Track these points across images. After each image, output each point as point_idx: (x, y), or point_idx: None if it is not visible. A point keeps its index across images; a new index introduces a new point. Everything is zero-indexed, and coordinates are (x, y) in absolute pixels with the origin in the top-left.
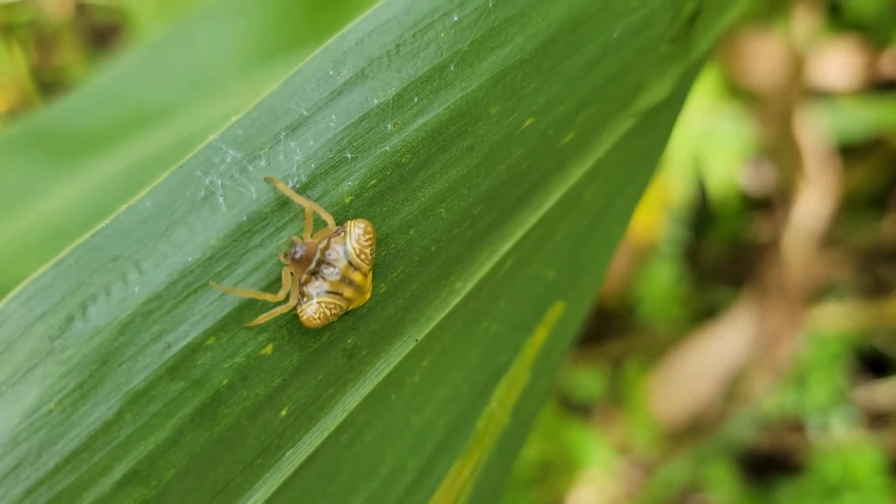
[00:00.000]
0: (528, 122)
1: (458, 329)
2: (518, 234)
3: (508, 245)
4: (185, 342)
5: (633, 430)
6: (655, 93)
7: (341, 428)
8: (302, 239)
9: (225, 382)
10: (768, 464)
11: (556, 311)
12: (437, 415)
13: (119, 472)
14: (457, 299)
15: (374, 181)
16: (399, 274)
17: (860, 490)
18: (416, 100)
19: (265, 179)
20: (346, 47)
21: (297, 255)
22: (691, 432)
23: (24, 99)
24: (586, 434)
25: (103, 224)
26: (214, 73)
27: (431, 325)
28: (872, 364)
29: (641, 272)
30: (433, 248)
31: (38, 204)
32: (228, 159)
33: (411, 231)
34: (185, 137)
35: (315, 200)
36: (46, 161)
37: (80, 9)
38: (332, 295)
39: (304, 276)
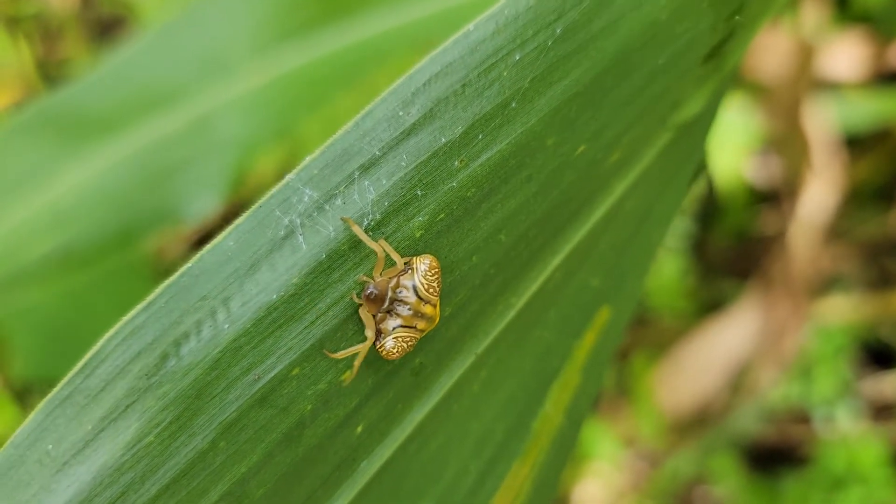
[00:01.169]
0: (580, 150)
1: (513, 340)
2: (567, 249)
3: (558, 260)
4: (272, 374)
5: (640, 422)
6: (691, 107)
7: (409, 439)
8: (373, 278)
9: (309, 408)
10: (774, 456)
11: (603, 315)
12: (496, 420)
13: (215, 494)
14: (511, 313)
15: (442, 215)
16: (462, 297)
17: (866, 482)
18: (480, 136)
19: (341, 219)
20: (415, 88)
21: (371, 296)
22: (697, 424)
23: (29, 92)
24: (593, 426)
25: (189, 264)
26: (226, 55)
27: (489, 340)
28: (878, 356)
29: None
30: (492, 272)
31: (48, 186)
32: (306, 199)
33: (474, 258)
34: (196, 119)
35: (388, 236)
36: (57, 144)
37: (86, 1)
38: (406, 329)
39: (379, 315)
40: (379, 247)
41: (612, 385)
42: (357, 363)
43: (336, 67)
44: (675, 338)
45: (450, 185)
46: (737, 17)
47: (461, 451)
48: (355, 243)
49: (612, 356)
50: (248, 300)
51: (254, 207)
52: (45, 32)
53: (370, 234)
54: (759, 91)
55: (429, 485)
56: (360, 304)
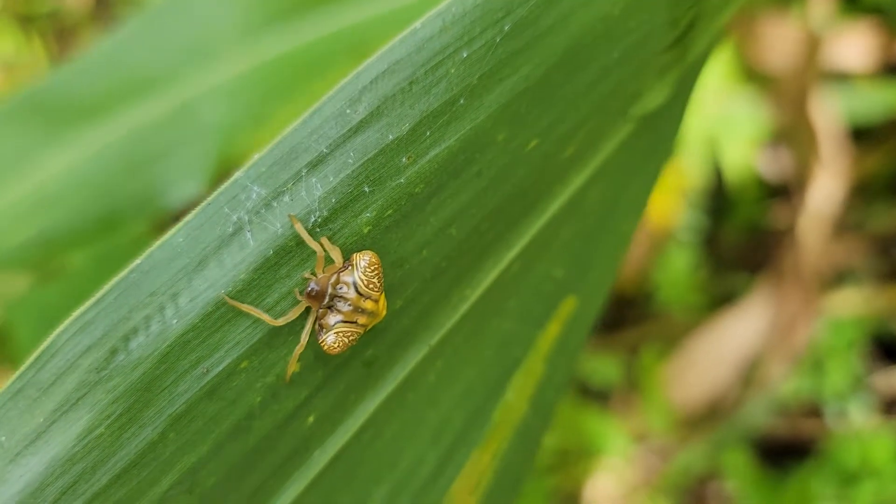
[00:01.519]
0: (532, 144)
1: (470, 330)
2: (523, 241)
3: (514, 252)
4: (220, 367)
5: (650, 417)
6: (653, 98)
7: (363, 428)
8: (315, 276)
9: (258, 400)
10: (785, 450)
11: (568, 305)
12: (454, 409)
13: (166, 483)
14: (466, 305)
15: (390, 211)
16: (413, 290)
17: (878, 476)
18: (428, 133)
19: (288, 217)
20: (362, 86)
21: (312, 292)
22: (708, 419)
23: None
24: (604, 421)
25: (138, 260)
26: (213, 40)
27: (443, 331)
28: (890, 349)
29: (659, 259)
30: (444, 265)
31: (34, 172)
32: (254, 196)
33: (424, 252)
34: (182, 103)
35: (335, 232)
36: (43, 130)
37: (100, 0)
38: (347, 324)
39: (321, 310)
40: (319, 245)
41: (622, 380)
42: (292, 364)
43: (319, 54)
44: (685, 332)
45: (398, 181)
46: (694, 10)
47: (418, 440)
48: (302, 240)
49: (582, 346)
50: (197, 296)
51: (202, 204)
52: (59, 31)
53: (317, 230)
54: (767, 82)
55: (385, 472)
56: (300, 301)
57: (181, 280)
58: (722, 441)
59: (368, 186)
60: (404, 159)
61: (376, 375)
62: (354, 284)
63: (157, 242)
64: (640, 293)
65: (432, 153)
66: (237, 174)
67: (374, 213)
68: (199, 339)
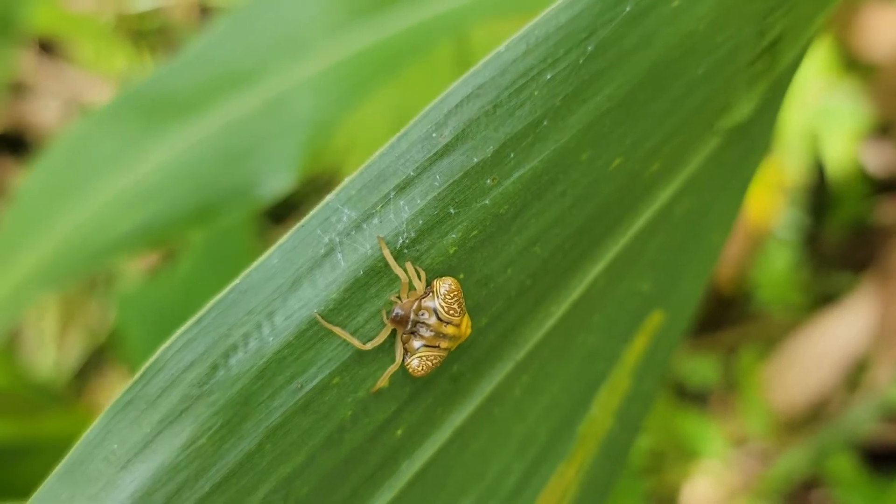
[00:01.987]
0: (616, 163)
1: (555, 345)
2: (608, 257)
3: (599, 267)
4: (314, 383)
5: (749, 419)
6: (741, 110)
7: (450, 440)
8: (400, 300)
9: (349, 414)
10: (893, 456)
11: (655, 319)
12: (539, 422)
13: (262, 491)
14: (552, 321)
15: (475, 232)
16: (498, 308)
17: None
18: (512, 155)
19: (377, 239)
20: (447, 110)
21: (397, 318)
22: (810, 423)
23: None
24: (702, 423)
25: (237, 281)
26: (300, 35)
27: (529, 346)
28: None
29: (758, 258)
30: (528, 282)
31: (136, 165)
32: (345, 218)
33: (509, 270)
34: (273, 97)
35: (422, 253)
36: (145, 125)
37: (205, 14)
38: (430, 348)
39: (405, 335)
40: (402, 271)
41: (721, 381)
42: (382, 380)
43: (408, 42)
44: (786, 332)
45: (482, 202)
46: (783, 21)
47: (504, 452)
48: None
49: (668, 360)
50: (291, 314)
51: (296, 227)
52: (167, 46)
53: (404, 251)
54: (868, 73)
55: (471, 483)
56: (386, 324)
57: (277, 299)
58: (825, 446)
59: (454, 208)
60: (489, 181)
61: (463, 390)
62: (435, 311)
63: (254, 264)
64: (738, 293)
65: (516, 174)
66: (329, 197)
67: (460, 233)
68: (294, 356)
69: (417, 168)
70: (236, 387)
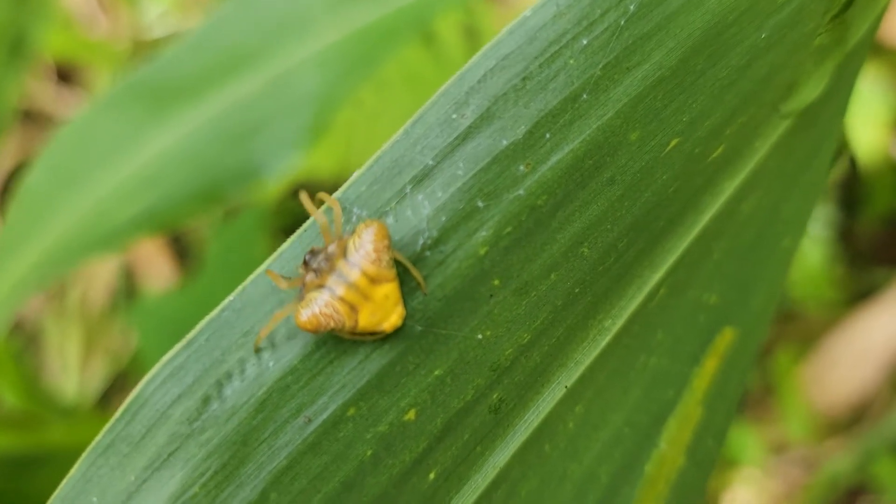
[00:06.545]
0: (672, 144)
1: (612, 368)
2: (670, 261)
3: (660, 273)
4: (325, 415)
5: (789, 424)
6: (810, 89)
7: (494, 484)
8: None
9: (369, 452)
10: None
11: (726, 337)
12: (599, 462)
13: None
14: (607, 338)
15: (509, 228)
16: (542, 321)
17: None
18: (548, 136)
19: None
20: (468, 86)
21: (306, 260)
22: (854, 425)
23: None
24: (739, 429)
25: (231, 297)
26: (301, 14)
27: (581, 369)
28: None
29: None
30: (577, 290)
31: (139, 152)
32: (354, 219)
33: (552, 275)
34: (276, 76)
35: (448, 255)
36: (146, 112)
37: None
38: (333, 301)
39: (310, 281)
40: (319, 213)
41: (757, 384)
42: (267, 328)
43: (411, 15)
44: (823, 330)
45: (516, 193)
46: None
47: (559, 499)
48: (412, 262)
49: (743, 385)
50: (296, 334)
51: (298, 232)
52: None
53: (426, 253)
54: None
55: None
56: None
57: None
58: (871, 449)
59: (482, 201)
60: (522, 167)
61: (505, 422)
62: (346, 250)
63: (250, 277)
64: None
65: (554, 159)
66: (335, 195)
67: (491, 231)
68: (300, 384)
69: (437, 156)
70: (232, 422)
